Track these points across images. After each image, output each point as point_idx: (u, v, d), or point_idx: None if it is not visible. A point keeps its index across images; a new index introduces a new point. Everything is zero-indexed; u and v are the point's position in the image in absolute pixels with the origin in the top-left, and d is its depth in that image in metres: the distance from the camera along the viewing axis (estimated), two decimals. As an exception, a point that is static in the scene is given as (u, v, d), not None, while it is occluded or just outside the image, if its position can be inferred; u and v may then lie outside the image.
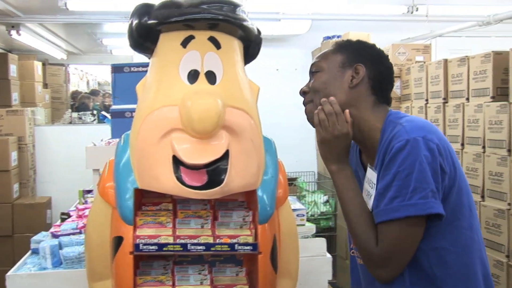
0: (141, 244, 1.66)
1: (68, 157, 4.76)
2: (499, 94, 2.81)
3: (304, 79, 1.67)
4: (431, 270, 1.36)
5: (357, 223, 1.39)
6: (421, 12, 4.32)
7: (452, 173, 1.33)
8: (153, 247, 1.66)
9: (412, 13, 4.37)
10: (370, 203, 1.42)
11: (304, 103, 1.58)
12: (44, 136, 5.23)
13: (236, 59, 1.67)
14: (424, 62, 3.70)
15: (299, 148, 5.27)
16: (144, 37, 1.65)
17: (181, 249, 1.67)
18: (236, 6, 1.60)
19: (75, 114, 6.02)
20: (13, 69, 5.34)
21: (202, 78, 1.60)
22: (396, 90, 3.91)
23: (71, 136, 5.08)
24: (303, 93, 1.58)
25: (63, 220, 2.95)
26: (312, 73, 1.55)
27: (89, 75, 9.82)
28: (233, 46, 1.67)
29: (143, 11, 1.62)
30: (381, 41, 4.47)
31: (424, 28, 4.97)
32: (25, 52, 6.83)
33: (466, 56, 3.07)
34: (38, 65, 6.29)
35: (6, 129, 4.90)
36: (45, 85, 7.02)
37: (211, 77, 1.61)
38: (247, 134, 1.64)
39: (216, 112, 1.50)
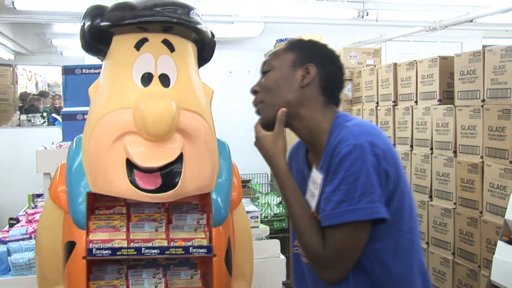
0: (94, 249, 1.63)
1: (17, 161, 4.62)
2: (446, 97, 2.91)
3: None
4: (373, 272, 1.39)
5: (304, 228, 1.40)
6: (371, 17, 4.42)
7: (396, 177, 1.35)
8: (106, 251, 1.64)
9: (362, 17, 4.46)
10: (313, 203, 1.44)
11: (255, 102, 1.57)
12: (-9, 139, 5.07)
13: (190, 62, 1.68)
14: (375, 66, 3.79)
15: (252, 150, 5.24)
16: (96, 39, 1.63)
17: (135, 253, 1.65)
18: (190, 9, 1.60)
19: (23, 117, 5.85)
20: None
21: (156, 81, 1.60)
22: (348, 93, 3.99)
23: (20, 139, 4.94)
24: (253, 92, 1.56)
25: (11, 225, 2.86)
26: (263, 72, 1.54)
27: (38, 76, 9.56)
28: (187, 49, 1.67)
29: (96, 12, 1.60)
30: (333, 44, 4.51)
31: (374, 32, 5.09)
32: (-30, 52, 6.62)
33: (415, 60, 3.16)
34: (-16, 66, 6.09)
35: None
36: (-9, 86, 6.81)
37: (165, 80, 1.60)
38: (201, 137, 1.65)
39: (169, 115, 1.50)
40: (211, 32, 1.74)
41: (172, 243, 1.68)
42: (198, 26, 1.62)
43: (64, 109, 2.78)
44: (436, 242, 2.90)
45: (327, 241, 1.34)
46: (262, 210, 4.73)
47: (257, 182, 5.09)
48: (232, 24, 4.89)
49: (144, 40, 1.59)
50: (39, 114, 5.75)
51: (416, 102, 3.12)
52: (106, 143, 1.58)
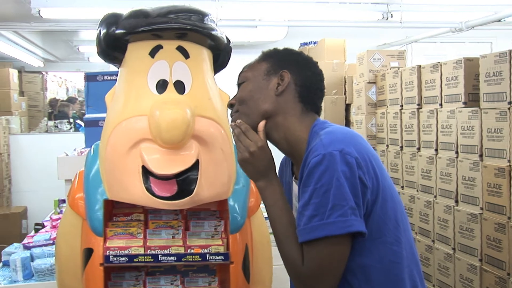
0: (111, 256, 1.64)
1: (44, 166, 4.67)
2: (471, 100, 2.84)
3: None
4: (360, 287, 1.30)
5: (283, 243, 1.31)
6: (395, 19, 4.36)
7: (375, 186, 1.26)
8: (123, 258, 1.65)
9: (387, 19, 4.41)
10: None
11: (231, 114, 1.48)
12: (20, 145, 5.16)
13: (205, 68, 1.67)
14: (399, 68, 3.73)
15: (280, 154, 5.27)
16: (112, 47, 1.64)
17: (151, 260, 1.66)
18: (204, 15, 1.59)
19: (51, 123, 5.94)
20: (-16, 77, 5.27)
21: (170, 87, 1.60)
22: (372, 96, 3.94)
23: (47, 144, 5.01)
24: (230, 105, 1.47)
25: (36, 230, 2.91)
26: (238, 84, 1.47)
27: (68, 82, 9.73)
28: (202, 55, 1.67)
29: (111, 20, 1.61)
30: (357, 47, 4.54)
31: (399, 34, 5.03)
32: (0, 60, 6.76)
33: (439, 62, 3.09)
34: (13, 73, 6.22)
35: (-21, 138, 4.83)
36: (22, 93, 6.94)
37: (179, 86, 1.60)
38: (217, 144, 1.64)
39: (184, 122, 1.49)
40: (227, 38, 1.73)
41: (188, 250, 1.67)
42: (213, 32, 1.61)
43: (87, 116, 2.82)
44: (463, 248, 2.83)
45: (305, 258, 1.26)
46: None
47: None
48: (256, 29, 4.89)
49: (159, 47, 1.60)
50: (65, 120, 5.83)
51: (440, 105, 3.05)
52: (122, 150, 1.59)
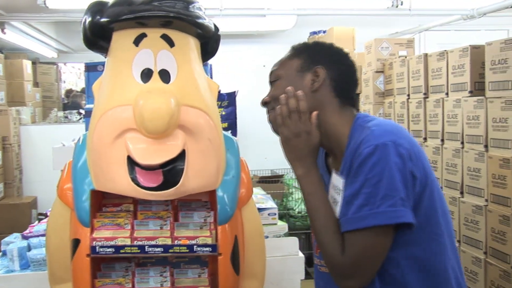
0: (97, 247, 1.63)
1: (51, 156, 4.71)
2: (477, 89, 2.77)
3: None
4: (403, 280, 1.30)
5: (323, 232, 1.32)
6: (405, 6, 4.28)
7: (423, 178, 1.27)
8: (109, 249, 1.63)
9: (397, 6, 4.33)
10: (336, 210, 1.35)
11: (268, 112, 1.52)
12: (30, 136, 5.20)
13: (192, 57, 1.64)
14: (406, 57, 3.66)
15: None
16: (97, 36, 1.62)
17: (138, 251, 1.64)
18: (190, 2, 1.56)
19: (61, 113, 5.97)
20: (-2, 68, 5.31)
21: (155, 76, 1.57)
22: (380, 85, 3.88)
23: (57, 135, 5.03)
24: (264, 103, 1.51)
25: (40, 220, 2.92)
26: (271, 83, 1.50)
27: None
28: (188, 44, 1.63)
29: (96, 9, 1.59)
30: (367, 35, 4.46)
31: (411, 22, 4.94)
32: (15, 51, 6.80)
33: (445, 50, 3.03)
34: (27, 64, 6.26)
35: (-11, 129, 4.87)
36: (36, 84, 6.98)
37: (165, 75, 1.57)
38: (205, 134, 1.61)
39: (168, 112, 1.47)
40: (215, 26, 1.69)
41: (176, 241, 1.65)
42: (198, 20, 1.57)
43: (87, 106, 2.80)
44: (468, 241, 2.77)
45: (347, 247, 1.27)
46: (295, 205, 4.68)
47: (291, 177, 5.04)
48: (264, 17, 4.85)
49: (143, 35, 1.57)
50: (75, 111, 5.86)
51: (447, 94, 2.99)
52: (108, 140, 1.57)
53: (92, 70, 2.82)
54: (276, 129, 1.46)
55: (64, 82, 8.64)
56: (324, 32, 4.60)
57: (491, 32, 5.84)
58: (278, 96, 1.42)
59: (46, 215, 2.98)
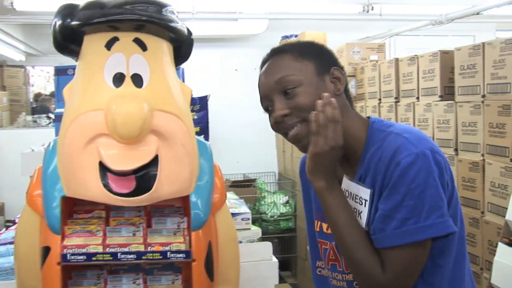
0: (68, 254, 1.60)
1: (19, 162, 4.61)
2: (447, 93, 2.82)
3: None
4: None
5: (358, 249, 1.22)
6: (376, 11, 4.33)
7: (450, 186, 1.23)
8: (81, 257, 1.60)
9: (368, 12, 4.37)
10: (361, 222, 1.28)
11: (288, 126, 1.31)
12: (-3, 140, 5.09)
13: (165, 61, 1.62)
14: (377, 61, 3.70)
15: (259, 148, 5.25)
16: (68, 39, 1.59)
17: (111, 258, 1.61)
18: (162, 6, 1.54)
19: (29, 117, 5.85)
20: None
21: (128, 81, 1.55)
22: (351, 89, 3.91)
23: (26, 140, 4.92)
24: (283, 117, 1.30)
25: (8, 227, 2.85)
26: (285, 91, 1.30)
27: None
28: (161, 48, 1.62)
29: (66, 12, 1.56)
30: (338, 40, 4.50)
31: (381, 27, 5.00)
32: (-21, 54, 6.65)
33: (416, 55, 3.07)
34: (-8, 67, 6.12)
35: (-47, 133, 4.74)
36: (3, 87, 6.83)
37: (137, 80, 1.55)
38: (178, 139, 1.59)
39: (140, 117, 1.45)
40: (188, 30, 1.68)
41: (149, 248, 1.63)
42: (171, 23, 1.56)
43: (57, 110, 2.75)
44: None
45: (389, 264, 1.19)
46: (268, 209, 4.67)
47: (264, 181, 5.04)
48: (236, 21, 4.84)
49: (115, 39, 1.54)
50: (45, 115, 5.75)
51: (417, 98, 3.03)
52: (79, 145, 1.54)
53: (62, 73, 2.77)
54: (305, 142, 1.30)
55: (33, 85, 8.46)
56: (296, 36, 4.62)
57: (458, 38, 5.96)
58: (304, 105, 1.27)
59: (14, 222, 2.91)
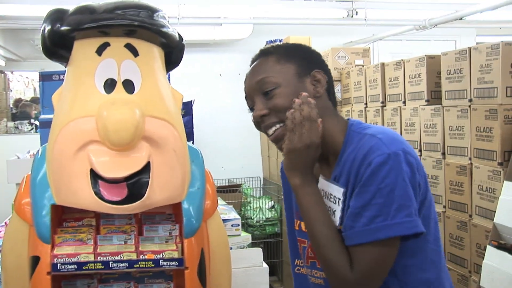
0: (59, 264, 1.57)
1: (2, 169, 4.54)
2: (434, 97, 2.84)
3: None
4: None
5: (328, 247, 1.24)
6: (360, 16, 4.35)
7: (424, 187, 1.25)
8: (72, 266, 1.57)
9: (352, 17, 4.40)
10: (335, 220, 1.29)
11: (267, 126, 1.35)
12: (-23, 147, 5.00)
13: (156, 67, 1.61)
14: (363, 66, 3.72)
15: (244, 153, 5.24)
16: (57, 45, 1.56)
17: (102, 267, 1.59)
18: (154, 11, 1.53)
19: (11, 124, 5.76)
20: None
21: (119, 87, 1.53)
22: (337, 94, 3.92)
23: (6, 146, 4.86)
24: (262, 117, 1.34)
25: (-9, 236, 2.79)
26: (265, 92, 1.32)
27: (35, 82, 9.47)
28: (152, 53, 1.60)
29: (56, 17, 1.53)
30: (323, 45, 4.52)
31: (365, 32, 5.03)
32: (-41, 59, 6.54)
33: (402, 60, 3.09)
34: (-28, 73, 6.02)
35: None
36: (-18, 93, 6.73)
37: (129, 86, 1.54)
38: (170, 145, 1.58)
39: (133, 123, 1.43)
40: (179, 35, 1.67)
41: (141, 256, 1.61)
42: (163, 29, 1.54)
43: (42, 116, 2.72)
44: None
45: (357, 261, 1.21)
46: (254, 214, 4.66)
47: (249, 186, 5.02)
48: (221, 26, 4.83)
49: (106, 44, 1.53)
50: (26, 121, 5.66)
51: (404, 102, 3.05)
52: (69, 152, 1.51)
53: (47, 79, 2.74)
54: (283, 143, 1.31)
55: (11, 91, 8.35)
56: (281, 41, 4.62)
57: (440, 43, 6.03)
58: (281, 106, 1.30)
59: (-3, 230, 2.86)
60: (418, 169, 1.22)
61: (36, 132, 5.44)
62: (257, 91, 1.35)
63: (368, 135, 1.25)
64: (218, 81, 5.30)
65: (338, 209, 1.29)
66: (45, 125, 2.68)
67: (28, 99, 8.00)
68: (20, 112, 7.05)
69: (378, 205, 1.18)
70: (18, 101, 7.81)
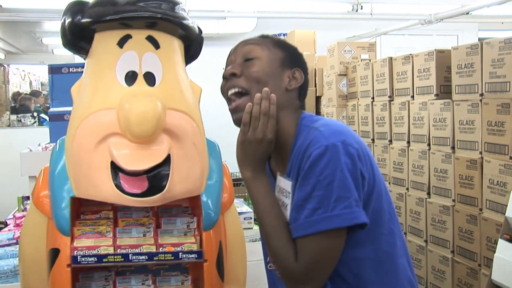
0: (79, 256, 1.56)
1: (6, 162, 4.51)
2: (443, 92, 2.84)
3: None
4: (353, 281, 1.29)
5: (275, 237, 1.27)
6: (365, 10, 4.35)
7: (371, 178, 1.25)
8: (92, 258, 1.57)
9: (357, 11, 4.40)
10: (287, 214, 1.32)
11: (229, 87, 1.41)
12: (-20, 140, 4.98)
13: (176, 59, 1.60)
14: (370, 60, 3.72)
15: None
16: (78, 37, 1.56)
17: (122, 260, 1.59)
18: (175, 3, 1.52)
19: (13, 117, 5.75)
20: None
21: (140, 79, 1.53)
22: (343, 88, 3.92)
23: (10, 139, 4.84)
24: (231, 75, 1.39)
25: (0, 229, 2.79)
26: (247, 59, 1.38)
27: (31, 75, 9.46)
28: (173, 46, 1.60)
29: (76, 9, 1.53)
30: (327, 39, 4.52)
31: (369, 26, 5.03)
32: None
33: (411, 54, 3.09)
34: (-28, 66, 6.01)
35: None
36: (-18, 86, 6.72)
37: (150, 78, 1.53)
38: (189, 138, 1.58)
39: (155, 115, 1.43)
40: (199, 28, 1.66)
41: (160, 248, 1.61)
42: (184, 21, 1.54)
43: (51, 109, 2.71)
44: (435, 240, 2.83)
45: (300, 253, 1.23)
46: (257, 208, 4.67)
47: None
48: (225, 20, 4.83)
49: (128, 36, 1.52)
50: (29, 114, 5.66)
51: (412, 97, 3.05)
52: (90, 145, 1.51)
53: (56, 72, 2.73)
54: (240, 116, 1.37)
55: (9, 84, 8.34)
56: (285, 35, 4.62)
57: (443, 37, 6.04)
58: (256, 77, 1.34)
59: (6, 224, 2.85)
60: (362, 160, 1.23)
61: (39, 125, 5.42)
62: (241, 56, 1.40)
63: (313, 128, 1.28)
64: (221, 75, 5.29)
65: (289, 202, 1.31)
66: (55, 118, 2.69)
67: (28, 93, 8.00)
68: (19, 106, 7.04)
69: (318, 197, 1.20)
70: (17, 95, 7.80)
